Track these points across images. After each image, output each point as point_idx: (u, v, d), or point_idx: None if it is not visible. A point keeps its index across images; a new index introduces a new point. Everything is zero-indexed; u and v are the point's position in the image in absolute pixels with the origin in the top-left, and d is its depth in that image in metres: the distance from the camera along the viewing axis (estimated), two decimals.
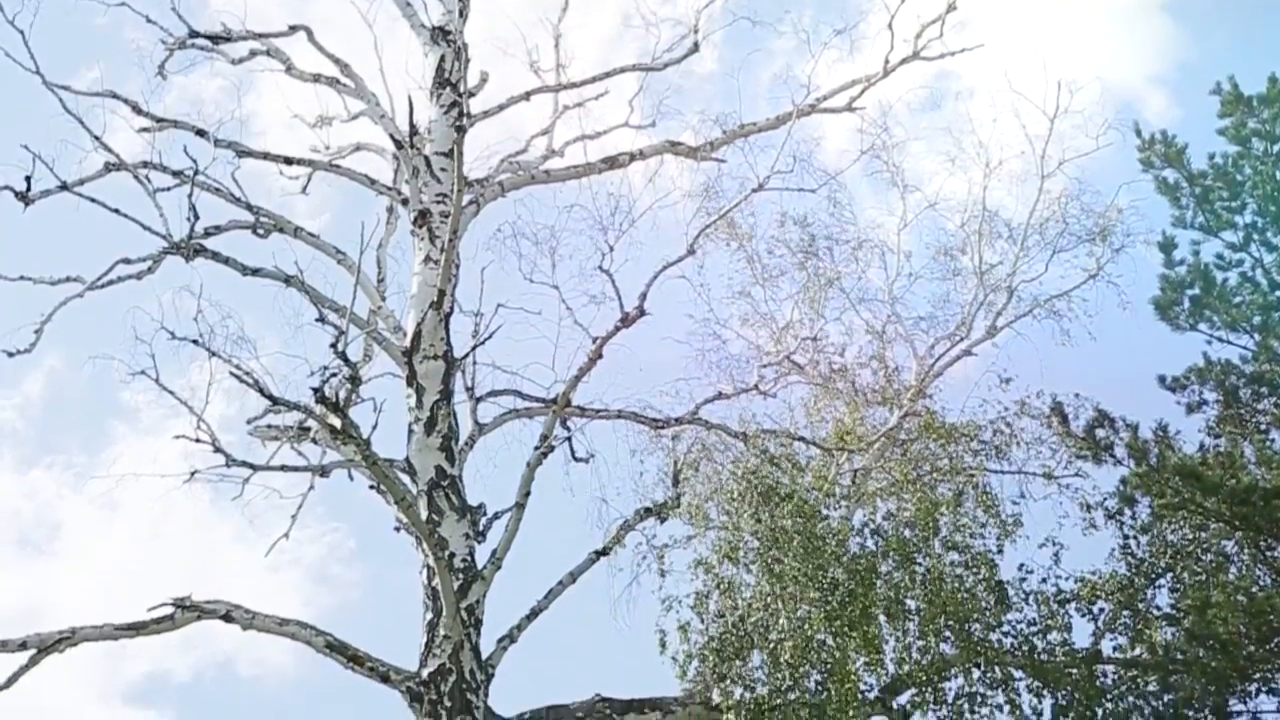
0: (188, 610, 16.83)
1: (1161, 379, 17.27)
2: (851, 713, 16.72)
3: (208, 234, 18.43)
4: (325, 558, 36.51)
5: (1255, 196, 17.36)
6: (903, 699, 17.40)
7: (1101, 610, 17.37)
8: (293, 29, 20.04)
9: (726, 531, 17.82)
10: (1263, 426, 16.95)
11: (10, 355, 17.87)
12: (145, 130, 19.12)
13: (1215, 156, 17.95)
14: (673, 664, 17.24)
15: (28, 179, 17.94)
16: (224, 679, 36.34)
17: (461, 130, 17.79)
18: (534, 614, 18.06)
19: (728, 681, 17.17)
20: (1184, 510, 16.96)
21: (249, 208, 18.60)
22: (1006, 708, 17.00)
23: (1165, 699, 17.00)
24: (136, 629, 16.87)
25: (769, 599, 16.98)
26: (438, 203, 18.51)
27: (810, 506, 17.57)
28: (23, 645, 16.48)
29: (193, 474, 18.43)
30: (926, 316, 20.91)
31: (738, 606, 17.30)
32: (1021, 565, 17.52)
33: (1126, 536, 17.65)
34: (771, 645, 16.92)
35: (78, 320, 18.43)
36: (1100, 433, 16.96)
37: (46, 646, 16.49)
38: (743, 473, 18.27)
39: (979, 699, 16.98)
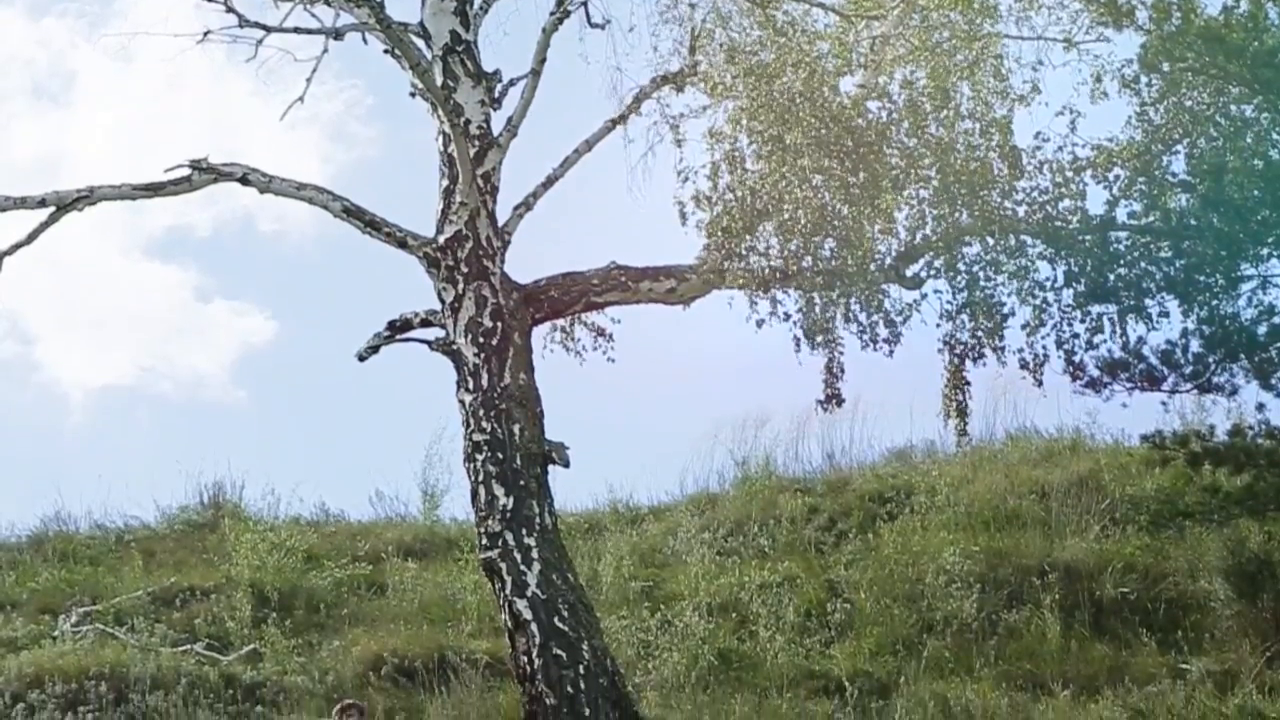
0: (205, 172, 16.87)
1: None
2: (866, 280, 16.89)
3: None
4: (342, 115, 36.61)
5: None
6: (916, 267, 17.52)
7: (1116, 177, 17.22)
8: None
9: (740, 101, 17.65)
10: None
11: None
12: None
13: None
14: (695, 232, 17.36)
15: None
16: (245, 235, 36.89)
17: None
18: (550, 182, 18.11)
19: (738, 255, 17.27)
20: (1204, 75, 16.76)
21: None
22: (1019, 275, 17.16)
23: (1177, 265, 17.05)
24: (154, 190, 16.95)
25: (781, 169, 16.93)
26: None
27: (820, 75, 17.36)
28: (42, 202, 16.60)
29: (205, 34, 18.24)
30: None
31: (746, 179, 17.27)
32: (1038, 133, 17.36)
33: (1144, 103, 17.43)
34: (785, 216, 16.95)
35: None
36: None
37: (65, 205, 16.61)
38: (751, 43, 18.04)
39: (992, 266, 17.11)
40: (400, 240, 17.21)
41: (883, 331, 16.95)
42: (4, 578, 22.16)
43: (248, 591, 20.80)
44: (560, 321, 18.58)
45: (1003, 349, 16.97)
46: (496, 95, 17.55)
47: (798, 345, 17.18)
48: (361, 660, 18.99)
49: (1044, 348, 17.11)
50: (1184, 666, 17.78)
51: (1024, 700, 17.42)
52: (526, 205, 17.81)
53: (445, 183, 17.23)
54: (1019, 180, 17.09)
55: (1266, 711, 16.38)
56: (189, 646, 19.40)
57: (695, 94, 18.63)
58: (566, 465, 16.99)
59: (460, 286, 16.94)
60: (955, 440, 19.55)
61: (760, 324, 17.31)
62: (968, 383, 17.22)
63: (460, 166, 16.77)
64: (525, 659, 16.08)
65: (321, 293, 37.81)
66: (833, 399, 17.36)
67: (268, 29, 18.30)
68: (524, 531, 16.32)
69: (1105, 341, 17.26)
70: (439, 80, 17.04)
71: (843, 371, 17.15)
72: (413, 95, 17.55)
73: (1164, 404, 17.85)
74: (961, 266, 17.17)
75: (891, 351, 17.00)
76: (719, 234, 17.19)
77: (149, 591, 21.13)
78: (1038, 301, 17.03)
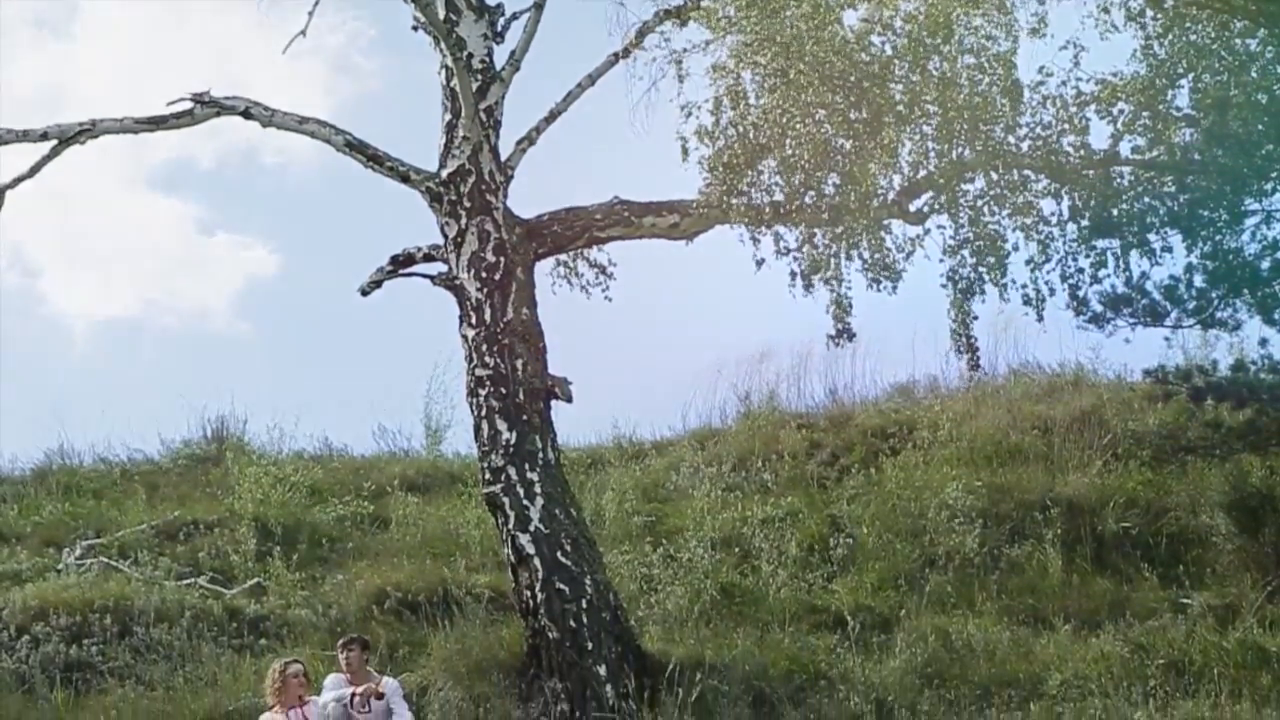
0: (207, 106, 16.86)
1: None
2: (868, 216, 16.83)
3: None
4: (345, 47, 36.53)
5: None
6: (919, 202, 17.48)
7: (1120, 112, 17.16)
8: None
9: (744, 35, 17.54)
10: None
11: None
12: None
13: None
14: (697, 169, 17.30)
15: None
16: (248, 167, 36.80)
17: None
18: (552, 116, 18.06)
19: (739, 190, 17.20)
20: (1208, 9, 16.67)
21: None
22: (1023, 210, 17.08)
23: (1181, 199, 17.04)
24: (156, 123, 16.94)
25: (785, 104, 16.85)
26: None
27: (824, 9, 17.23)
28: (44, 136, 16.61)
29: None
30: None
31: (748, 115, 17.19)
32: (1041, 68, 17.28)
33: (1148, 38, 17.32)
34: (788, 151, 16.90)
35: None
36: None
37: (67, 138, 16.61)
38: None
39: (996, 201, 17.05)
40: (403, 175, 17.21)
41: (884, 270, 16.91)
42: (8, 510, 22.21)
43: (251, 526, 20.85)
44: (563, 256, 18.58)
45: (1005, 285, 16.93)
46: (499, 29, 17.52)
47: (793, 280, 17.20)
48: (365, 594, 19.05)
49: (1047, 283, 17.11)
50: (1185, 601, 17.83)
51: (1025, 634, 17.48)
52: (529, 140, 17.77)
53: (448, 117, 17.22)
54: (1022, 115, 17.01)
55: (1267, 645, 16.44)
56: (193, 580, 19.49)
57: (698, 28, 18.52)
58: (569, 400, 17.05)
59: (463, 221, 16.97)
60: (968, 374, 19.50)
61: (760, 263, 17.37)
62: (974, 317, 17.23)
63: (463, 100, 16.75)
64: (528, 593, 16.18)
65: (325, 226, 37.83)
66: (843, 334, 17.33)
67: None
68: (527, 466, 16.39)
69: (1109, 276, 17.27)
70: (441, 14, 17.00)
71: (851, 306, 17.12)
72: (415, 29, 17.48)
73: (1167, 339, 17.92)
74: (965, 202, 17.10)
75: (894, 289, 16.98)
76: (720, 169, 17.14)
77: (152, 525, 21.19)
78: (1041, 237, 17.00)
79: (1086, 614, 17.88)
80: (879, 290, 16.94)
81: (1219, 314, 17.12)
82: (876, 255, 16.90)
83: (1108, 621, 17.58)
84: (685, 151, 17.35)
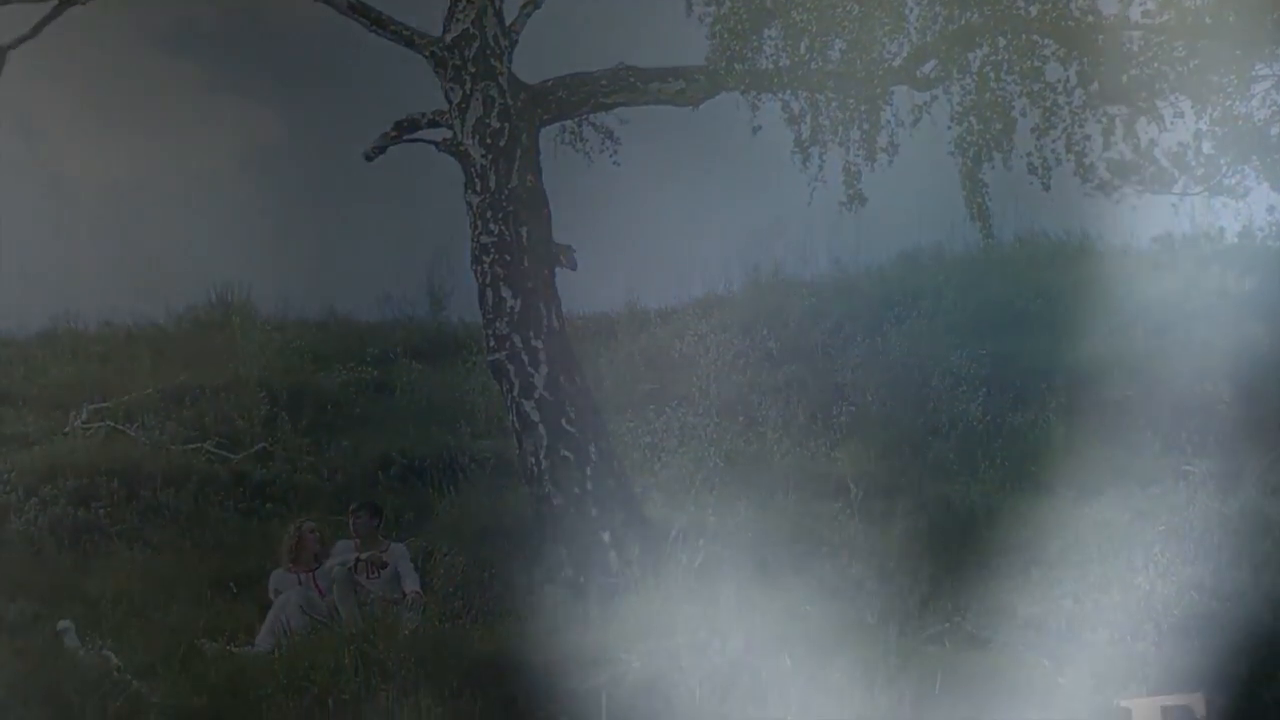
0: None
1: None
2: (874, 82, 16.70)
3: None
4: None
5: None
6: (927, 68, 17.31)
7: None
8: None
9: None
10: None
11: None
12: None
13: None
14: (700, 24, 17.10)
15: None
16: (251, 29, 36.31)
17: None
18: None
19: (744, 57, 17.05)
20: None
21: None
22: (1031, 75, 16.92)
23: (1191, 64, 16.86)
24: None
25: None
26: None
27: None
28: None
29: None
30: None
31: None
32: None
33: None
34: (794, 18, 16.72)
35: None
36: None
37: None
38: None
39: (1003, 67, 16.90)
40: (407, 38, 17.09)
41: (883, 140, 16.80)
42: (14, 373, 22.27)
43: (256, 391, 20.92)
44: (568, 122, 18.46)
45: (1010, 152, 16.79)
46: None
47: (797, 148, 17.08)
48: (370, 459, 19.19)
49: (1054, 150, 16.96)
50: (1187, 468, 17.91)
51: (1026, 501, 17.59)
52: (535, 4, 17.58)
53: None
54: None
55: (1267, 511, 16.54)
56: (199, 444, 19.59)
57: None
58: (573, 267, 17.04)
59: (467, 86, 16.84)
60: (981, 242, 19.36)
61: (757, 130, 17.22)
62: (985, 184, 17.09)
63: None
64: (532, 460, 16.26)
65: (329, 90, 37.40)
66: (855, 199, 17.19)
67: None
68: (531, 333, 16.40)
69: (1117, 143, 17.13)
70: None
71: (860, 173, 17.00)
72: None
73: (1174, 206, 17.76)
74: (972, 67, 16.94)
75: (890, 161, 16.85)
76: (725, 35, 16.97)
77: (158, 389, 21.25)
78: (1048, 104, 16.84)
79: (1088, 481, 17.98)
80: (873, 168, 16.83)
81: (1226, 181, 17.00)
82: (871, 133, 16.78)
83: (1109, 488, 17.67)
84: (690, 5, 17.18)
